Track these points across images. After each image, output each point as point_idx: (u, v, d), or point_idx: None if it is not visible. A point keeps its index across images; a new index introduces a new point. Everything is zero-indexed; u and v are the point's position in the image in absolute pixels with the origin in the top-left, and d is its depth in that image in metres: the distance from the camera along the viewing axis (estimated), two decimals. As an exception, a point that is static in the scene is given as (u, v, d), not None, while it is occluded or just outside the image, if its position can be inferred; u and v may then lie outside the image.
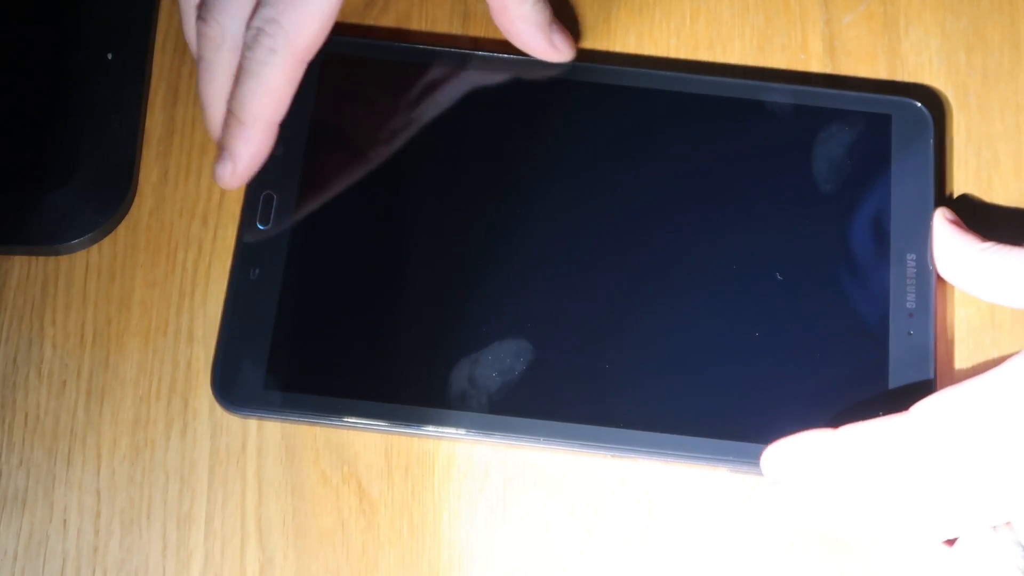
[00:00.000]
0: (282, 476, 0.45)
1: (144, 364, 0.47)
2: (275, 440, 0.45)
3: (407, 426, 0.43)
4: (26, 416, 0.46)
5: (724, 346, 0.43)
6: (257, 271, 0.46)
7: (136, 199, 0.49)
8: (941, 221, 0.44)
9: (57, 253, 0.48)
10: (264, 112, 0.44)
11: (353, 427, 0.44)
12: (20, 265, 0.48)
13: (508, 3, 0.46)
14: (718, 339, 0.43)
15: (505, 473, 0.45)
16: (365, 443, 0.45)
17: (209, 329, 0.47)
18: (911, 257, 0.44)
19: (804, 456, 0.40)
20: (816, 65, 0.49)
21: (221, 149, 0.45)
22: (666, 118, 0.46)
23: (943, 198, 0.46)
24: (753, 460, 0.41)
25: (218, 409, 0.46)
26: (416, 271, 0.45)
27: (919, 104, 0.46)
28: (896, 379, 0.42)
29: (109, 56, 0.50)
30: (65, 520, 0.45)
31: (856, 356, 0.43)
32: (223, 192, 0.48)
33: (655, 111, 0.46)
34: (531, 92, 0.47)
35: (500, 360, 0.44)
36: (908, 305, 0.43)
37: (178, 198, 0.49)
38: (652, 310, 0.44)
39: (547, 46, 0.47)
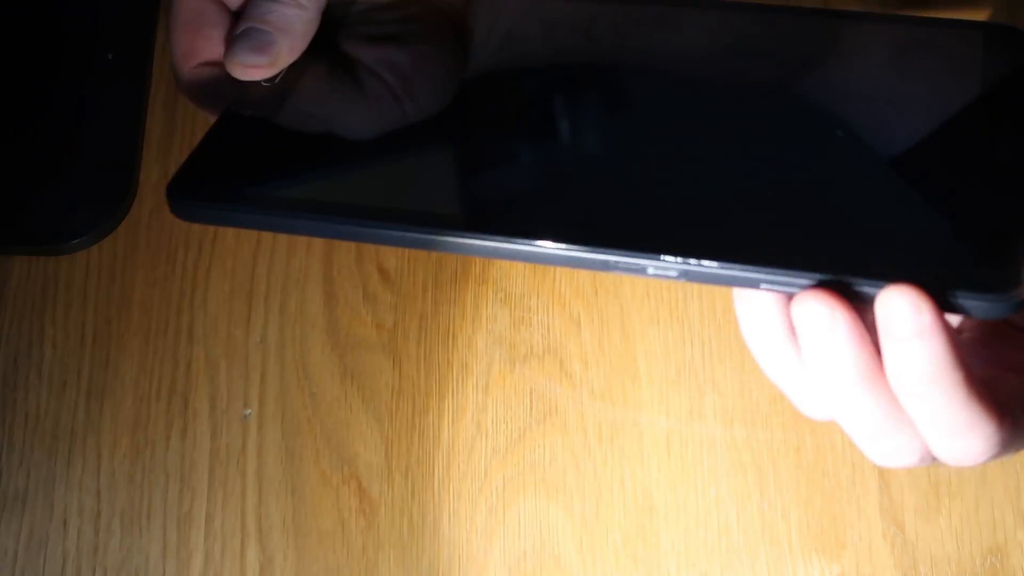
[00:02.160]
0: (282, 476, 0.45)
1: (144, 364, 0.47)
2: (275, 440, 0.45)
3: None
4: (26, 416, 0.46)
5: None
6: (248, 112, 0.41)
7: (136, 199, 0.49)
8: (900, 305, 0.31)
9: (57, 253, 0.48)
10: None
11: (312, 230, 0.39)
12: (20, 265, 0.48)
13: None
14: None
15: (505, 473, 0.45)
16: (365, 443, 0.45)
17: (209, 329, 0.47)
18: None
19: None
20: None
21: (246, 28, 0.40)
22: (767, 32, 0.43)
23: None
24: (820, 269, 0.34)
25: (218, 409, 0.46)
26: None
27: (1017, 27, 0.41)
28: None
29: (109, 56, 0.50)
30: (65, 520, 0.45)
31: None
32: (223, 192, 0.48)
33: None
34: None
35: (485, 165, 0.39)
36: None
37: (178, 198, 0.49)
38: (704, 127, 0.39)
39: None
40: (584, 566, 0.43)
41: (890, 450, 0.34)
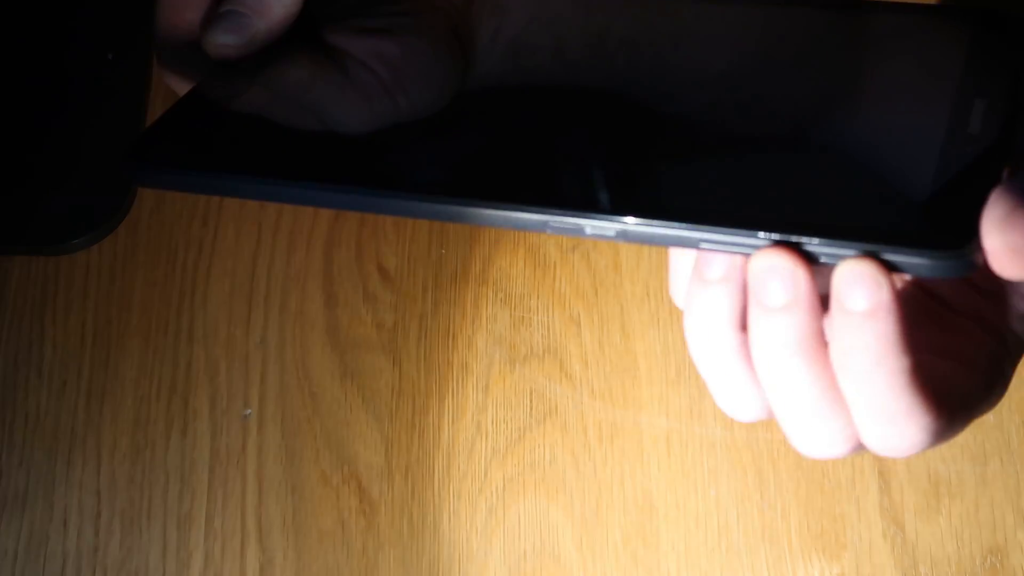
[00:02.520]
0: (282, 476, 0.45)
1: (144, 364, 0.47)
2: (275, 440, 0.45)
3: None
4: (26, 416, 0.46)
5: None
6: (213, 87, 0.41)
7: (136, 199, 0.49)
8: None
9: (57, 253, 0.48)
10: None
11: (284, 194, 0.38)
12: (20, 265, 0.48)
13: None
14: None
15: (505, 473, 0.45)
16: (365, 443, 0.45)
17: (209, 329, 0.47)
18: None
19: None
20: None
21: (223, 9, 0.40)
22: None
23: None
24: (767, 229, 0.32)
25: (218, 409, 0.46)
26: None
27: (1013, 14, 0.39)
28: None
29: (109, 56, 0.50)
30: (65, 520, 0.45)
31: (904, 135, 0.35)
32: (223, 192, 0.48)
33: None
34: None
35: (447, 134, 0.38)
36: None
37: (178, 198, 0.49)
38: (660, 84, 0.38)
39: None
40: (584, 566, 0.43)
41: (822, 437, 0.32)
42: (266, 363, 0.47)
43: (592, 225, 0.33)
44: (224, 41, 0.41)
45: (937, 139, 0.35)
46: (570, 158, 0.36)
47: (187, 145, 0.39)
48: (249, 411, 0.46)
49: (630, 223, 0.33)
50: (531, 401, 0.46)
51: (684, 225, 0.32)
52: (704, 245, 0.32)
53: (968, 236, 0.31)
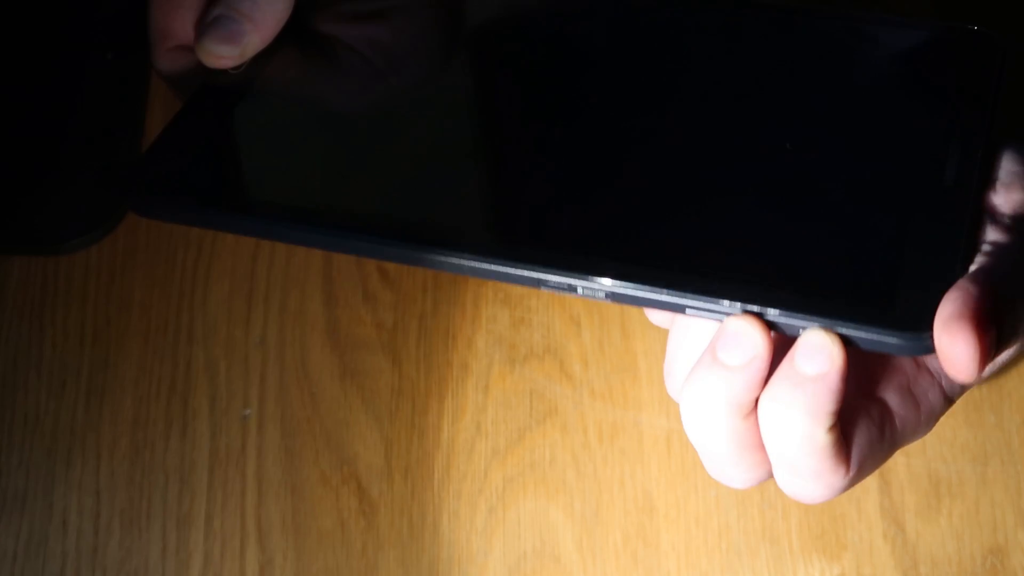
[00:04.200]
0: (282, 476, 0.45)
1: (144, 364, 0.47)
2: (275, 440, 0.45)
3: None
4: (26, 416, 0.46)
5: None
6: (207, 104, 0.42)
7: (136, 199, 0.49)
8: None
9: (57, 253, 0.48)
10: None
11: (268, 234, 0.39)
12: (20, 265, 0.48)
13: None
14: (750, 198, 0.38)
15: (505, 473, 0.45)
16: (365, 443, 0.45)
17: (209, 329, 0.47)
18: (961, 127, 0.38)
19: None
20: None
21: (217, 15, 0.41)
22: (730, 32, 0.42)
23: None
24: (735, 298, 0.35)
25: (218, 409, 0.46)
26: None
27: (989, 31, 0.41)
28: (921, 228, 0.36)
29: (109, 56, 0.50)
30: (65, 520, 0.45)
31: (878, 196, 0.37)
32: (223, 192, 0.48)
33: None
34: None
35: (442, 175, 0.39)
36: (951, 154, 0.37)
37: (178, 198, 0.49)
38: (636, 129, 0.40)
39: None
40: (584, 566, 0.43)
41: (739, 475, 0.35)
42: (266, 363, 0.47)
43: (584, 287, 0.35)
44: (219, 52, 0.41)
45: (908, 210, 0.36)
46: (571, 220, 0.37)
47: (187, 178, 0.40)
48: (249, 411, 0.46)
49: (619, 289, 0.35)
50: (531, 401, 0.46)
51: (671, 292, 0.34)
52: (689, 311, 0.34)
53: (927, 324, 0.32)
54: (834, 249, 0.36)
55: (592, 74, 0.42)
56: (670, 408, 0.45)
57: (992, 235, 0.36)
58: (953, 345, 0.31)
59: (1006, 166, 0.38)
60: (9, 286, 0.48)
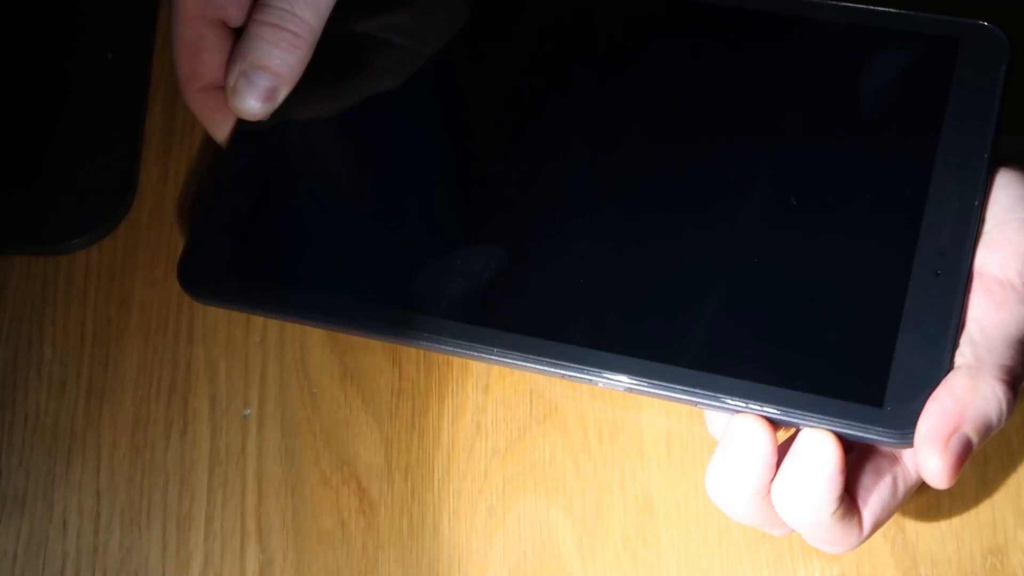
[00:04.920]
0: (282, 476, 0.45)
1: (144, 364, 0.47)
2: (275, 440, 0.45)
3: (371, 329, 0.42)
4: (26, 416, 0.46)
5: (740, 272, 0.41)
6: (245, 160, 0.45)
7: (136, 199, 0.49)
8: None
9: (57, 253, 0.48)
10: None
11: (319, 325, 0.44)
12: (20, 265, 0.48)
13: None
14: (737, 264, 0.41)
15: (505, 473, 0.45)
16: (365, 443, 0.45)
17: (209, 329, 0.47)
18: (954, 190, 0.40)
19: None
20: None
21: (247, 70, 0.43)
22: (694, 33, 0.44)
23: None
24: (728, 394, 0.39)
25: (218, 409, 0.46)
26: (402, 171, 0.44)
27: (993, 27, 0.42)
28: (911, 320, 0.38)
29: (109, 56, 0.50)
30: (65, 520, 0.45)
31: (869, 288, 0.39)
32: (223, 192, 0.48)
33: (681, 24, 0.44)
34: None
35: (471, 265, 0.42)
36: (941, 242, 0.39)
37: (178, 198, 0.49)
38: (647, 225, 0.42)
39: None
40: (584, 566, 0.43)
41: (771, 531, 0.40)
42: (266, 363, 0.47)
43: (604, 381, 0.40)
44: (253, 111, 0.44)
45: (901, 297, 0.39)
46: (594, 316, 0.41)
47: (242, 260, 0.44)
48: (249, 411, 0.46)
49: (638, 386, 0.39)
50: (531, 401, 0.46)
51: (685, 390, 0.39)
52: (700, 406, 0.39)
53: (912, 426, 0.37)
54: (830, 350, 0.39)
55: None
56: (670, 408, 0.45)
57: (977, 306, 0.38)
58: (927, 462, 0.36)
59: (997, 207, 0.40)
60: (9, 286, 0.48)
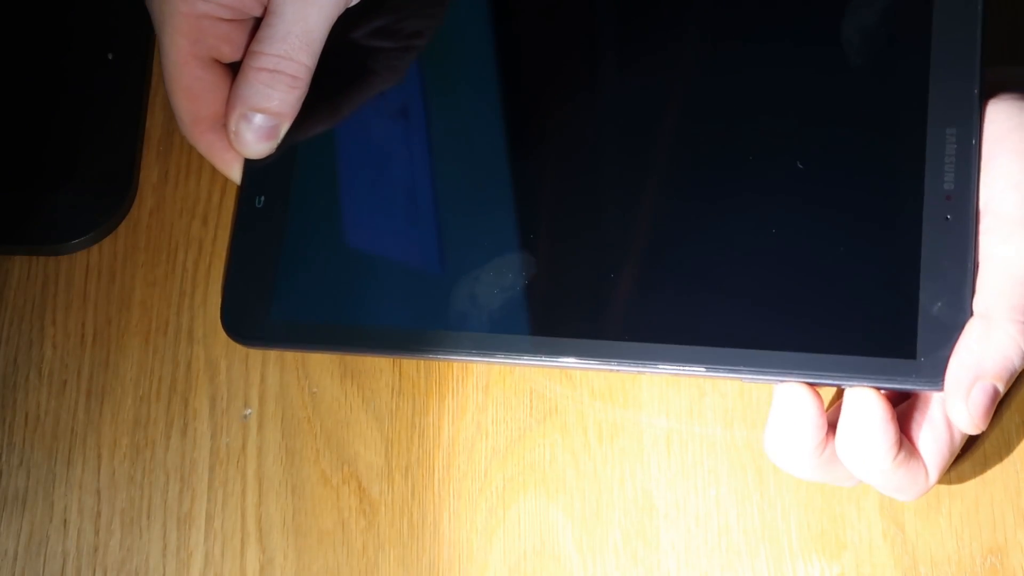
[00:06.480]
0: (282, 476, 0.45)
1: (144, 364, 0.47)
2: (275, 440, 0.45)
3: (421, 351, 0.43)
4: (26, 416, 0.46)
5: (745, 241, 0.41)
6: (262, 199, 0.45)
7: (136, 199, 0.49)
8: (866, 403, 0.39)
9: (57, 253, 0.48)
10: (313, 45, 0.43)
11: (368, 353, 0.45)
12: (20, 265, 0.48)
13: None
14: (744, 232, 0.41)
15: (505, 473, 0.45)
16: (365, 443, 0.45)
17: (209, 329, 0.47)
18: (951, 132, 0.40)
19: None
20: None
21: (247, 114, 0.44)
22: None
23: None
24: (770, 367, 0.40)
25: (218, 409, 0.46)
26: (424, 192, 0.44)
27: None
28: (929, 268, 0.39)
29: (109, 56, 0.50)
30: (65, 520, 0.45)
31: (885, 243, 0.40)
32: (223, 192, 0.48)
33: None
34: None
35: (504, 277, 0.42)
36: (945, 186, 0.39)
37: (178, 198, 0.49)
38: (664, 208, 0.42)
39: None
40: (584, 566, 0.43)
41: (840, 482, 0.41)
42: (266, 363, 0.47)
43: (652, 371, 0.41)
44: (257, 151, 0.44)
45: (917, 244, 0.39)
46: (637, 316, 0.42)
47: (278, 300, 0.44)
48: (249, 411, 0.46)
49: (686, 371, 0.41)
50: (531, 401, 0.46)
51: (731, 369, 0.40)
52: (746, 379, 0.40)
53: (943, 373, 0.38)
54: (860, 312, 0.40)
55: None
56: (670, 408, 0.45)
57: (981, 246, 0.39)
58: (953, 412, 0.38)
59: (988, 141, 0.40)
60: (9, 286, 0.48)
